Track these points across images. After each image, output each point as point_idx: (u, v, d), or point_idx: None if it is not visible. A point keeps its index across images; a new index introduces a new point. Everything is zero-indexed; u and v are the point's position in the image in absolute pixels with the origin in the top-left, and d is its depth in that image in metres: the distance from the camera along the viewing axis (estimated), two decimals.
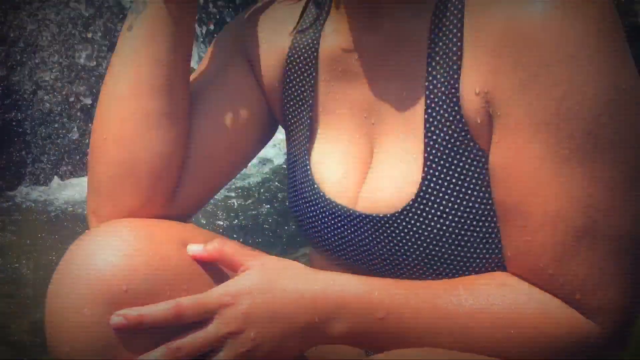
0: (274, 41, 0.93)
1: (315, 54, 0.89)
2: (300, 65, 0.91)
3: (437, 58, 0.77)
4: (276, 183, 2.79)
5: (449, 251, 0.76)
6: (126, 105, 0.84)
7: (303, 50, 0.91)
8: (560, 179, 0.68)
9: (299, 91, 0.92)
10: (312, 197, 0.88)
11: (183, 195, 0.89)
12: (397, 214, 0.77)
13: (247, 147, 0.95)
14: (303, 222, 0.91)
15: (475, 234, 0.75)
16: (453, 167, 0.75)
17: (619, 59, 0.69)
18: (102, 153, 0.85)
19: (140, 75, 0.85)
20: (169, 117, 0.85)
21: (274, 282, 0.73)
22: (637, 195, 0.69)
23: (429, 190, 0.75)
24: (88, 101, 3.18)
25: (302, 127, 0.92)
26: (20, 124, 3.07)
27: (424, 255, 0.77)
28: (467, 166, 0.75)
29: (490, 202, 0.74)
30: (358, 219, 0.82)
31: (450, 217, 0.75)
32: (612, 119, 0.67)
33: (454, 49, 0.75)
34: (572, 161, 0.67)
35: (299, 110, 0.92)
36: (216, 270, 0.80)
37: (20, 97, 3.09)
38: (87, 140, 2.91)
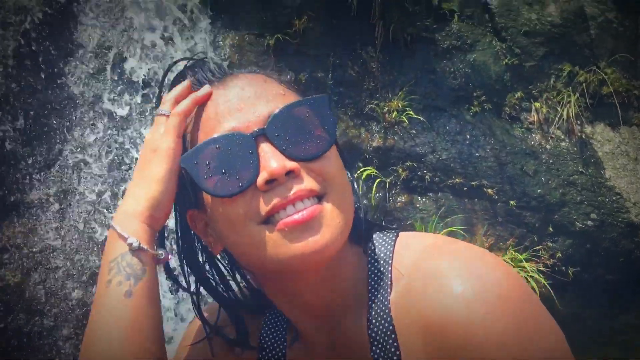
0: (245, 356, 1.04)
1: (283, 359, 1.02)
2: None
3: (379, 357, 0.86)
4: None
5: None
6: None
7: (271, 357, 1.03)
8: None
9: None
10: None
11: None
12: None
13: None
14: None
15: None
16: None
17: (532, 329, 0.76)
18: None
19: (143, 342, 0.86)
20: None
21: None
22: None
23: None
24: None
25: None
26: (31, 329, 3.08)
27: None
28: None
29: None
30: None
31: None
32: None
33: (392, 349, 0.86)
34: None
35: None
36: None
37: (32, 302, 3.13)
38: None
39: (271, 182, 0.86)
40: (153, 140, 0.95)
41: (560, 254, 4.16)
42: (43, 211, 3.30)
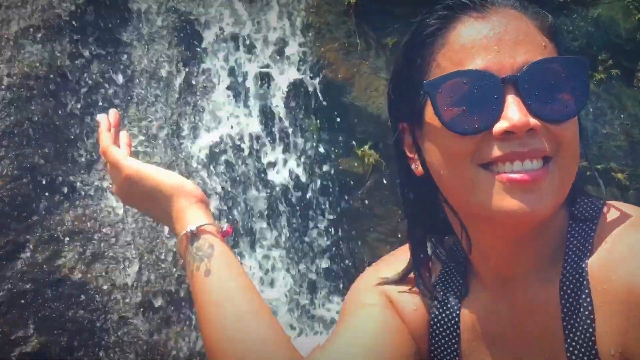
0: (417, 305, 1.12)
1: (457, 318, 1.10)
2: (445, 327, 1.11)
3: (572, 322, 0.97)
4: None
5: None
6: (244, 332, 1.05)
7: (446, 314, 1.11)
8: None
9: (445, 347, 1.11)
10: None
11: None
12: None
13: None
14: None
15: None
16: None
17: None
18: None
19: (238, 307, 1.06)
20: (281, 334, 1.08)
21: None
22: None
23: None
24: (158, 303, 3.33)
25: None
26: (93, 323, 3.17)
27: None
28: None
29: None
30: None
31: None
32: None
33: (586, 312, 0.96)
34: None
35: None
36: None
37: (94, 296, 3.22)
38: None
39: (509, 133, 0.95)
40: (114, 183, 1.27)
41: None
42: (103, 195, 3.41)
